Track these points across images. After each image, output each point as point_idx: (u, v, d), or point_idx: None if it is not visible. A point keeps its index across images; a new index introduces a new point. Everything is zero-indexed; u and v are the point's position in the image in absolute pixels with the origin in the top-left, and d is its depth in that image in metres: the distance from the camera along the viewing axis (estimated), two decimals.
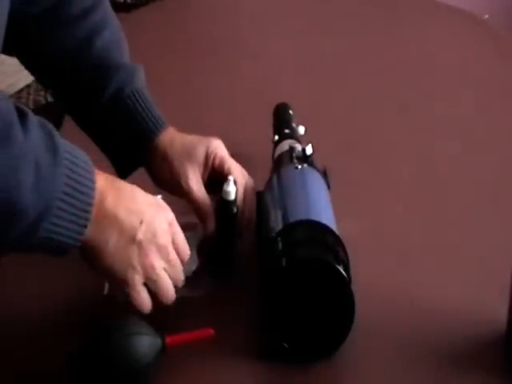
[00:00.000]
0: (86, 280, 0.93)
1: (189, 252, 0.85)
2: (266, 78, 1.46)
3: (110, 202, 0.77)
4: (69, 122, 1.34)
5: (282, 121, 1.14)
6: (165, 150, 0.98)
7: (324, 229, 0.86)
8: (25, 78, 2.24)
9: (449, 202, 1.11)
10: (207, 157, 0.97)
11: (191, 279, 0.92)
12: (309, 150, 0.99)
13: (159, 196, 1.01)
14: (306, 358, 0.83)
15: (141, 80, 1.00)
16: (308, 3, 1.87)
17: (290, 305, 0.82)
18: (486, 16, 2.24)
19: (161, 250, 0.80)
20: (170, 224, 0.82)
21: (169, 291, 0.82)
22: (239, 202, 0.95)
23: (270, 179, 0.98)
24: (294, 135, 1.08)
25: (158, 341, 0.80)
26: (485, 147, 1.24)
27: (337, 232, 0.87)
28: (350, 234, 0.88)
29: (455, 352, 0.84)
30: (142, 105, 0.98)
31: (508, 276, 0.82)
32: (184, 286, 0.91)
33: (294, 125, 1.11)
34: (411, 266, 0.97)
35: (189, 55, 1.54)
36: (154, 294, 0.81)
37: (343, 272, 0.81)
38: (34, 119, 0.73)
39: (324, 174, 0.99)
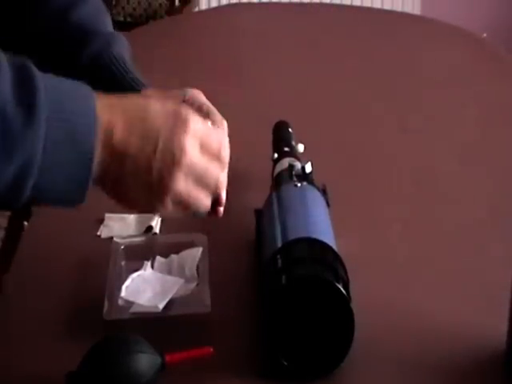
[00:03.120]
0: (86, 301, 0.94)
1: (227, 146, 0.77)
2: (265, 95, 1.47)
3: (121, 130, 0.70)
4: None
5: (281, 139, 1.14)
6: None
7: (323, 246, 0.86)
8: None
9: (448, 219, 1.11)
10: (184, 103, 0.93)
11: (190, 297, 0.92)
12: (308, 167, 0.99)
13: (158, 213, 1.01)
14: (305, 376, 0.83)
15: (119, 46, 0.99)
16: (307, 23, 1.88)
17: (289, 322, 0.82)
18: (485, 35, 2.26)
19: (185, 170, 0.72)
20: (194, 130, 0.73)
21: (203, 207, 0.76)
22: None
23: (270, 197, 0.98)
24: (293, 153, 1.08)
25: (158, 359, 0.80)
26: (484, 164, 1.24)
27: (336, 249, 0.87)
28: (350, 251, 0.88)
29: (455, 367, 0.84)
30: (120, 69, 0.97)
31: (507, 291, 0.82)
32: (183, 304, 0.91)
33: (293, 143, 1.12)
34: (411, 284, 0.97)
35: (188, 73, 1.54)
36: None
37: (343, 290, 0.81)
38: (4, 72, 0.65)
39: (323, 192, 0.99)
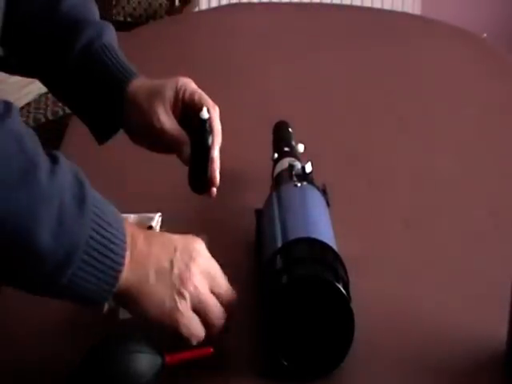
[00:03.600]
0: None
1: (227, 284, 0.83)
2: (265, 96, 1.47)
3: (142, 242, 0.77)
4: (69, 138, 1.35)
5: (281, 139, 1.14)
6: (134, 95, 0.98)
7: (323, 246, 0.86)
8: (25, 96, 2.25)
9: (448, 218, 1.11)
10: (177, 92, 0.97)
11: None
12: (308, 167, 0.99)
13: (158, 214, 1.02)
14: (305, 376, 0.83)
15: (109, 35, 1.01)
16: (308, 22, 1.88)
17: (289, 322, 0.82)
18: (485, 35, 2.26)
19: (201, 268, 0.79)
20: (205, 250, 0.82)
21: (217, 312, 0.80)
22: (215, 126, 0.97)
23: (270, 197, 0.98)
24: (293, 153, 1.08)
25: (158, 359, 0.80)
26: (484, 164, 1.24)
27: (336, 249, 0.87)
28: (350, 251, 0.88)
29: (455, 367, 0.84)
30: (111, 58, 0.99)
31: (508, 290, 0.82)
32: None
33: (293, 143, 1.12)
34: (411, 284, 0.97)
35: (188, 73, 1.54)
36: (204, 321, 0.80)
37: (343, 290, 0.81)
38: (65, 166, 0.72)
39: (323, 192, 0.99)
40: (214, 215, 1.09)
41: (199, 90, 0.99)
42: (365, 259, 0.97)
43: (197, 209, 1.08)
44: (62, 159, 0.73)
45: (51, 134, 2.07)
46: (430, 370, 0.84)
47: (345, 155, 1.26)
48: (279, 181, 1.01)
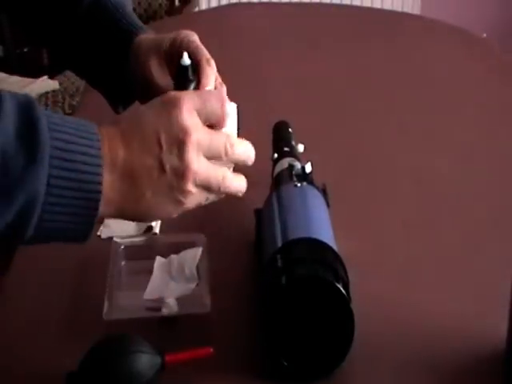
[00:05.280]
0: (86, 301, 0.94)
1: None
2: (265, 96, 1.47)
3: (122, 155, 0.69)
4: None
5: (281, 139, 1.14)
6: (137, 48, 0.94)
7: (323, 246, 0.86)
8: None
9: (448, 218, 1.11)
10: (173, 43, 0.91)
11: (190, 297, 0.92)
12: (308, 167, 0.99)
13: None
14: (305, 376, 0.83)
15: None
16: (308, 23, 1.88)
17: (289, 322, 0.82)
18: (485, 35, 2.26)
19: (194, 147, 0.70)
20: (188, 104, 0.72)
21: (229, 181, 0.76)
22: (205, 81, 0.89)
23: (270, 197, 0.98)
24: (293, 153, 1.08)
25: (158, 359, 0.80)
26: (484, 164, 1.24)
27: (336, 249, 0.87)
28: (350, 251, 0.88)
29: (455, 367, 0.84)
30: (118, 13, 0.96)
31: (507, 290, 0.82)
32: (183, 304, 0.91)
33: (293, 143, 1.12)
34: (410, 283, 0.97)
35: None
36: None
37: (342, 290, 0.81)
38: (9, 105, 0.65)
39: (323, 192, 0.99)
40: (213, 215, 1.09)
41: (198, 42, 0.91)
42: (365, 259, 0.97)
43: (196, 208, 1.08)
44: (7, 98, 0.66)
45: None
46: (430, 370, 0.84)
47: (345, 155, 1.26)
48: (279, 181, 1.01)
